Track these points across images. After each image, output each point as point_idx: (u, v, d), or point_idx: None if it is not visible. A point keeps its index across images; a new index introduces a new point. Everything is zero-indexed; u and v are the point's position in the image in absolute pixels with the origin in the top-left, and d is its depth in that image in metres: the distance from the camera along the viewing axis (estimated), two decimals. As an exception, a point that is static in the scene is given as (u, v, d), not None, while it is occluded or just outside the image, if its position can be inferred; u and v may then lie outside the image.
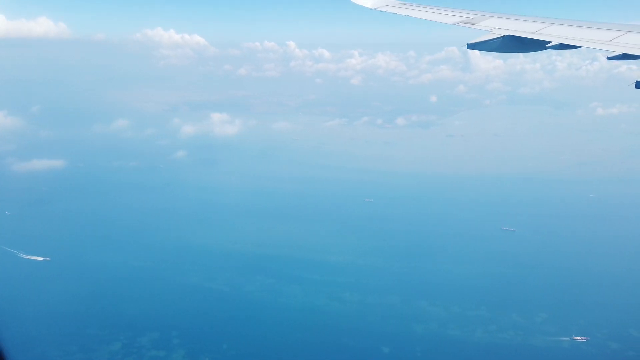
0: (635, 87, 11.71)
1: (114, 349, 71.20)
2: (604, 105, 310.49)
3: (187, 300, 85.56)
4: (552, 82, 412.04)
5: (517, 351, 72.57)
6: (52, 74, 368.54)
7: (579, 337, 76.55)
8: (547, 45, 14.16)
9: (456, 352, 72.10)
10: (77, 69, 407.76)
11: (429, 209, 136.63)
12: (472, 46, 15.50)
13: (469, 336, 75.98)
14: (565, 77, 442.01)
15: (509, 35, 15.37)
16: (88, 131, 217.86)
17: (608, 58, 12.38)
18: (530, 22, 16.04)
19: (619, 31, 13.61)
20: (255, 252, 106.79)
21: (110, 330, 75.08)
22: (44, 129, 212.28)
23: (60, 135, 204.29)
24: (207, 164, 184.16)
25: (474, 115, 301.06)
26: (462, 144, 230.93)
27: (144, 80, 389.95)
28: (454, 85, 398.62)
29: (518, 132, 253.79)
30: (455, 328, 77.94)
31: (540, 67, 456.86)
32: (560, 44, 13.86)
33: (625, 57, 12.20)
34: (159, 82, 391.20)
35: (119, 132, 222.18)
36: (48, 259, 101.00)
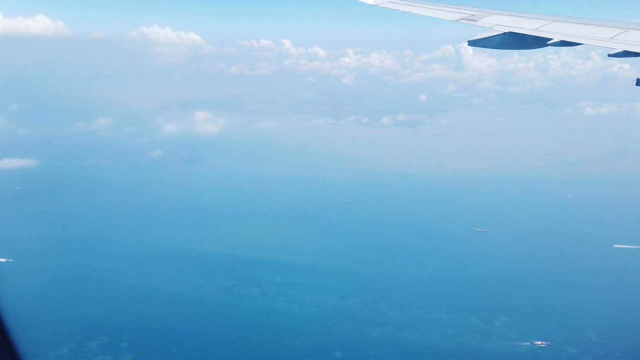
0: (637, 84, 11.95)
1: (60, 353, 69.93)
2: (594, 105, 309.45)
3: (143, 302, 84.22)
4: (544, 81, 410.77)
5: (472, 356, 71.31)
6: (46, 72, 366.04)
7: (539, 342, 75.34)
8: (548, 43, 14.09)
9: (409, 356, 70.87)
10: (72, 67, 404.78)
11: (404, 209, 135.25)
12: (472, 43, 15.47)
13: (425, 340, 74.75)
14: (558, 76, 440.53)
15: (510, 32, 15.25)
16: (69, 129, 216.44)
17: (609, 55, 12.39)
18: (532, 19, 15.92)
19: (620, 28, 13.48)
20: (222, 253, 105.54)
21: (59, 334, 73.74)
22: (23, 127, 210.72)
23: (40, 134, 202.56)
24: (187, 163, 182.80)
25: (462, 115, 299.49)
26: (448, 143, 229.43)
27: (138, 78, 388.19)
28: (445, 84, 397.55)
29: (505, 131, 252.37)
30: (412, 332, 76.72)
31: (535, 65, 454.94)
32: (562, 41, 13.80)
33: (626, 54, 12.13)
34: (152, 80, 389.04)
35: (100, 130, 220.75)
36: (10, 260, 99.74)
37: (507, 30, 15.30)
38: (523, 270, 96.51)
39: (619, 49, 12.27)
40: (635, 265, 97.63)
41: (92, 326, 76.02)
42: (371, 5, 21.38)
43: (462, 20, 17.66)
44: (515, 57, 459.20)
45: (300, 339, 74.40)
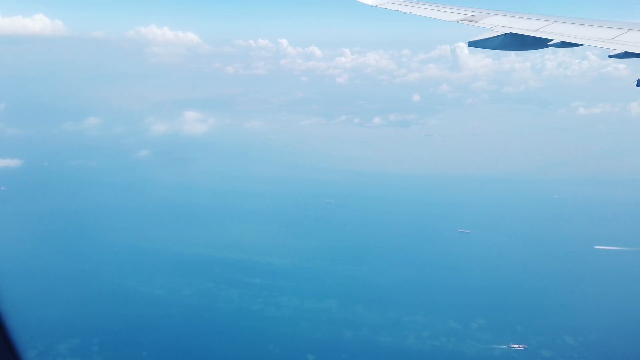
0: (637, 85, 12.06)
1: (28, 356, 68.53)
2: (587, 105, 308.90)
3: (117, 304, 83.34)
4: (539, 81, 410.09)
5: (445, 359, 70.60)
6: (43, 72, 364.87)
7: (516, 345, 74.62)
8: (548, 44, 14.15)
9: (381, 359, 70.15)
10: (69, 67, 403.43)
11: (390, 209, 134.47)
12: (473, 44, 15.43)
13: (399, 343, 73.98)
14: (553, 76, 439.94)
15: (510, 33, 15.27)
16: (57, 129, 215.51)
17: (610, 56, 12.39)
18: (532, 20, 15.96)
19: (620, 29, 13.58)
20: (203, 253, 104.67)
21: (29, 337, 72.60)
22: (12, 127, 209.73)
23: (28, 133, 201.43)
24: (174, 162, 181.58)
25: (455, 115, 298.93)
26: (439, 143, 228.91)
27: (134, 78, 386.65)
28: (440, 84, 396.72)
29: (497, 131, 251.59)
30: (387, 334, 75.94)
31: (531, 65, 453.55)
32: (562, 42, 13.85)
33: (627, 55, 12.15)
34: (148, 79, 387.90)
35: (88, 130, 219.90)
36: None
37: (507, 31, 15.25)
38: (503, 271, 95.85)
39: (620, 50, 12.25)
40: (614, 266, 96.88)
41: (63, 328, 75.18)
42: (371, 6, 21.52)
43: (463, 21, 17.67)
44: (512, 57, 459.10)
45: (274, 342, 73.61)
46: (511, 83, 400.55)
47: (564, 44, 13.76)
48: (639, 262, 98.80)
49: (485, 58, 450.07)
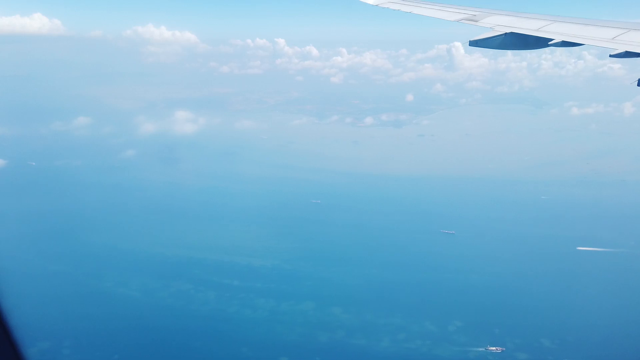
0: (638, 84, 12.13)
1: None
2: (581, 105, 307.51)
3: (92, 306, 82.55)
4: (533, 81, 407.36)
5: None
6: (39, 71, 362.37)
7: (493, 348, 74.01)
8: (549, 43, 14.24)
9: (355, 363, 69.50)
10: (66, 66, 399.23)
11: (376, 210, 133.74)
12: (473, 43, 15.51)
13: (374, 346, 73.31)
14: (548, 75, 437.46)
15: (511, 33, 15.34)
16: (47, 129, 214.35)
17: (611, 56, 12.43)
18: (533, 19, 15.99)
19: (621, 29, 13.60)
20: (184, 254, 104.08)
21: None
22: (2, 127, 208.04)
23: (17, 133, 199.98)
24: (162, 162, 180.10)
25: (448, 115, 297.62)
26: (431, 144, 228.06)
27: (130, 77, 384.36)
28: (434, 83, 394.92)
29: (490, 132, 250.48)
30: (362, 337, 75.26)
31: (527, 65, 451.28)
32: (563, 41, 13.88)
33: (628, 55, 12.19)
34: (143, 79, 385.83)
35: (77, 129, 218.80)
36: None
37: (508, 31, 15.30)
38: (483, 272, 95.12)
39: (621, 49, 12.28)
40: (594, 268, 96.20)
41: (35, 331, 74.07)
42: (372, 5, 21.48)
43: (464, 21, 17.69)
44: (508, 57, 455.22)
45: (247, 345, 72.88)
46: (505, 83, 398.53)
47: (564, 44, 13.74)
48: (619, 264, 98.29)
49: (482, 58, 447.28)
